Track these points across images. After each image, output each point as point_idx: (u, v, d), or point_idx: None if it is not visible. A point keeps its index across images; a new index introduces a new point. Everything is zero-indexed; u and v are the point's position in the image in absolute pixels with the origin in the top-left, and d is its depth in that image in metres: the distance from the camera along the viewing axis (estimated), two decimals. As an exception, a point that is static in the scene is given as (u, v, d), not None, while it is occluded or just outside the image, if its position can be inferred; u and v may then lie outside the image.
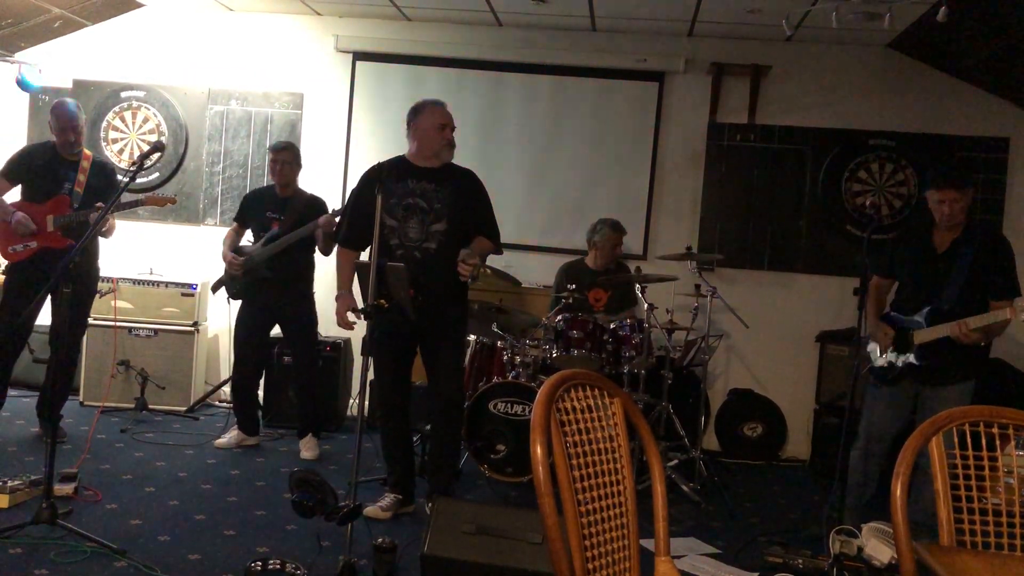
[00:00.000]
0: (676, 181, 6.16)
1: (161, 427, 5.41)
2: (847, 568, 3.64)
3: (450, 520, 3.17)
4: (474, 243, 3.93)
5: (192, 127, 6.41)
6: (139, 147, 6.40)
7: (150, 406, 5.64)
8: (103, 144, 6.43)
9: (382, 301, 3.37)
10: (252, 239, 5.11)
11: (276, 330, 5.21)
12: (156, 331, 5.84)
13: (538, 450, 1.62)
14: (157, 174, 6.40)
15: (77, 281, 4.56)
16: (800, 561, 3.68)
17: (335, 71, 6.36)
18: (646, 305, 4.88)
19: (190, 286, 5.85)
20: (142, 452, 4.83)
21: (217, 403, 6.08)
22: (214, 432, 5.27)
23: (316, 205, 5.02)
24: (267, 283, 4.91)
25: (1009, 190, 5.86)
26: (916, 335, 3.81)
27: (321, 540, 3.58)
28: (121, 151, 6.45)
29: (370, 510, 3.86)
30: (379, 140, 6.23)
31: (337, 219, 4.70)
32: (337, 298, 4.03)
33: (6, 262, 4.88)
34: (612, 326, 4.87)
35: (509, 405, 4.64)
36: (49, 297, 4.73)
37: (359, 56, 6.33)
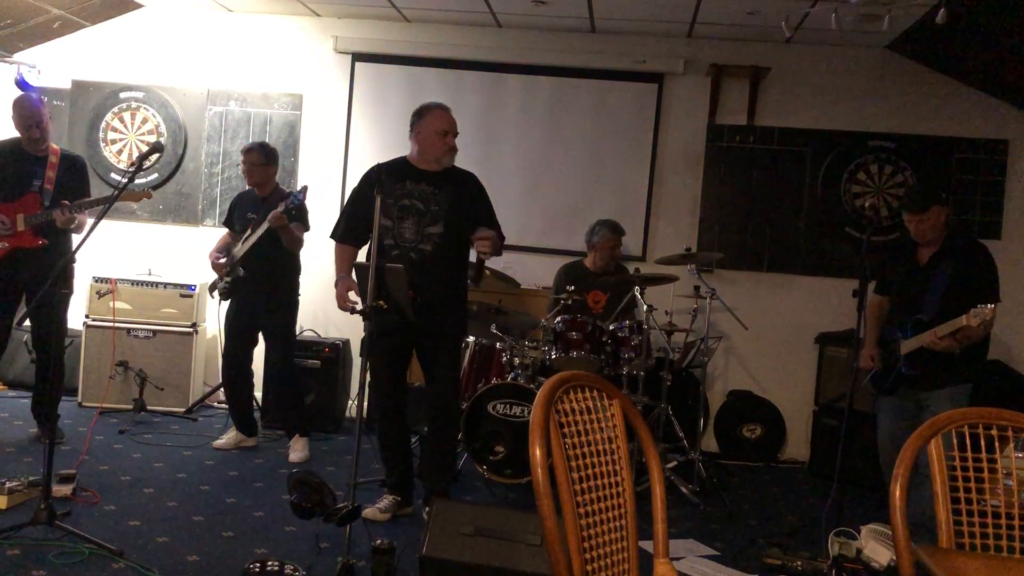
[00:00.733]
0: (675, 182, 6.16)
1: (160, 428, 5.41)
2: (846, 570, 3.64)
3: (449, 521, 3.17)
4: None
5: (191, 128, 6.41)
6: (138, 148, 6.40)
7: (149, 407, 5.63)
8: (102, 145, 6.43)
9: (381, 302, 3.37)
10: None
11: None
12: (155, 332, 5.83)
13: (537, 451, 1.62)
14: (156, 175, 6.40)
15: (43, 281, 4.56)
16: (799, 563, 3.67)
17: (334, 72, 6.36)
18: (645, 307, 4.88)
19: (189, 287, 5.85)
20: (140, 453, 4.83)
21: (216, 404, 6.07)
22: (213, 433, 5.26)
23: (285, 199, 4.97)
24: (246, 283, 4.89)
25: (1008, 192, 5.86)
26: (902, 346, 3.96)
27: (320, 541, 3.58)
28: (120, 152, 6.44)
29: (368, 511, 3.86)
30: (378, 141, 6.23)
31: (285, 214, 4.64)
32: (336, 283, 4.03)
33: None
34: (611, 327, 4.87)
35: (508, 406, 4.63)
36: (24, 301, 4.75)
37: (358, 57, 6.33)
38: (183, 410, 5.79)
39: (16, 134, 4.69)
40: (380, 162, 4.06)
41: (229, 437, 5.08)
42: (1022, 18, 4.60)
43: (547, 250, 6.16)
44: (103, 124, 6.43)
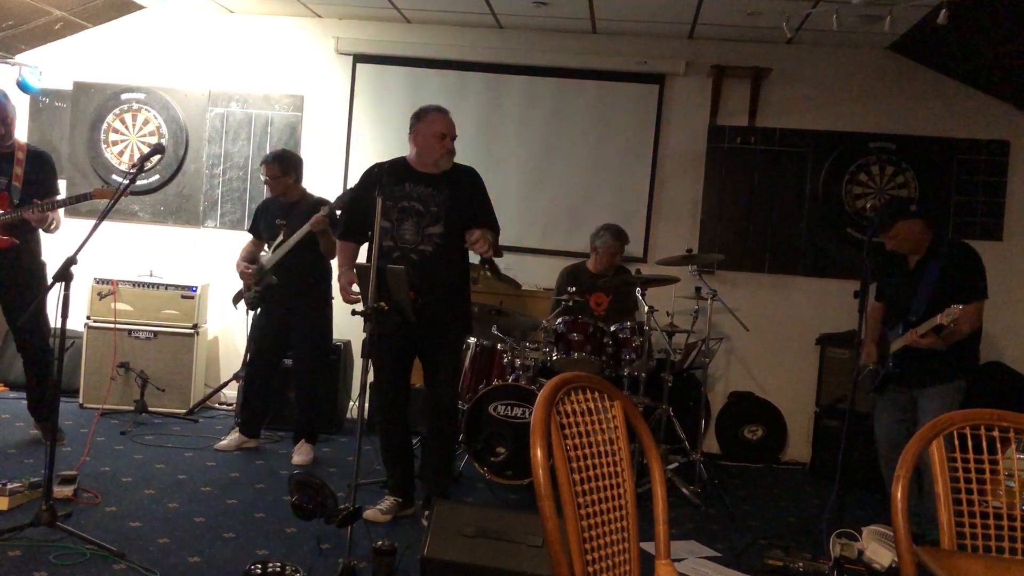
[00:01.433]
0: (676, 184, 6.16)
1: (161, 429, 5.41)
2: (847, 571, 3.63)
3: (450, 523, 3.17)
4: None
5: (192, 129, 6.41)
6: (139, 149, 6.40)
7: (150, 408, 5.63)
8: (103, 146, 6.43)
9: (382, 303, 3.37)
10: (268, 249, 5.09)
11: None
12: (156, 333, 5.84)
13: (538, 453, 1.62)
14: (157, 176, 6.41)
15: (27, 276, 4.54)
16: (800, 564, 3.67)
17: (335, 73, 6.36)
18: (646, 308, 4.87)
19: (190, 288, 5.85)
20: (142, 454, 4.83)
21: (217, 405, 6.08)
22: (214, 434, 5.26)
23: (321, 205, 4.98)
24: (280, 290, 4.88)
25: (1009, 193, 5.86)
26: (891, 345, 4.08)
27: (321, 543, 3.58)
28: (121, 153, 6.45)
29: (370, 513, 3.86)
30: (379, 142, 6.24)
31: (327, 217, 4.68)
32: (340, 276, 4.04)
33: None
34: (612, 329, 4.87)
35: (509, 408, 4.63)
36: (1, 306, 4.69)
37: (359, 58, 6.33)
38: (184, 411, 5.79)
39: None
40: (380, 162, 4.07)
41: (231, 439, 5.08)
42: (1022, 18, 4.60)
43: (548, 251, 6.16)
44: (104, 125, 6.44)
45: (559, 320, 4.80)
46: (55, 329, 5.06)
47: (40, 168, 4.66)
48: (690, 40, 6.09)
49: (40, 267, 4.75)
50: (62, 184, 5.76)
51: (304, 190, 5.09)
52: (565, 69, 6.18)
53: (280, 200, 5.02)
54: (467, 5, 5.74)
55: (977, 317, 3.94)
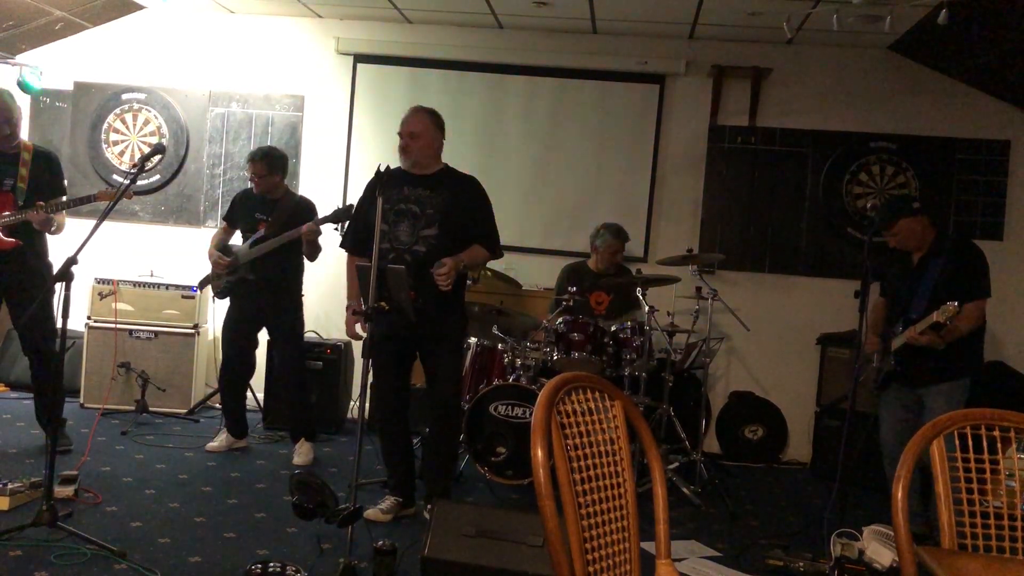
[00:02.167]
0: (677, 183, 6.16)
1: (161, 429, 5.41)
2: (848, 571, 3.63)
3: (450, 523, 3.17)
4: (468, 250, 3.94)
5: (193, 129, 6.42)
6: (140, 149, 6.41)
7: (150, 408, 5.63)
8: (104, 146, 6.44)
9: (383, 304, 3.37)
10: (242, 239, 5.07)
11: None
12: (156, 333, 5.84)
13: (539, 453, 1.62)
14: (158, 176, 6.41)
15: (30, 279, 4.52)
16: (801, 564, 3.67)
17: (336, 73, 6.37)
18: (647, 308, 4.87)
19: (190, 288, 5.85)
20: (142, 454, 4.83)
21: (217, 405, 6.06)
22: (214, 435, 5.26)
23: (304, 208, 4.94)
24: (252, 285, 4.88)
25: (1010, 193, 5.86)
26: (892, 343, 4.09)
27: (321, 543, 3.58)
28: (122, 153, 6.45)
29: (370, 513, 3.86)
30: (380, 142, 6.23)
31: (320, 227, 4.69)
32: (347, 308, 4.07)
33: None
34: (613, 329, 4.87)
35: (510, 408, 4.63)
36: (6, 303, 4.67)
37: (360, 58, 6.33)
38: (185, 411, 5.80)
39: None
40: (384, 164, 4.07)
41: (221, 440, 5.07)
42: (1023, 18, 4.59)
43: (548, 251, 6.16)
44: (105, 125, 6.44)
45: (560, 320, 4.80)
46: (21, 335, 5.04)
47: (46, 169, 4.62)
48: (690, 40, 6.09)
49: (46, 268, 4.71)
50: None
51: (287, 187, 5.07)
52: (565, 69, 6.18)
53: (263, 193, 5.01)
54: (467, 5, 5.74)
55: (979, 315, 3.96)
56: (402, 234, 3.90)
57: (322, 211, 4.84)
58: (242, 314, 4.99)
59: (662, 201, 6.18)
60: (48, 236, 4.66)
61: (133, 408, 5.60)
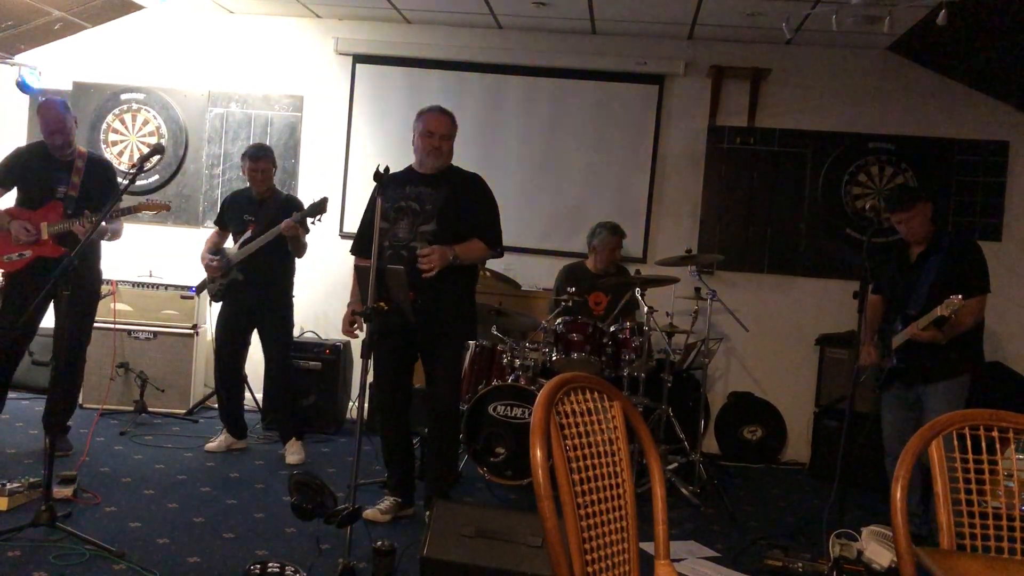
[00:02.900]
0: (676, 184, 6.16)
1: (160, 430, 5.41)
2: (847, 572, 3.63)
3: (449, 523, 3.17)
4: (464, 243, 3.92)
5: (192, 129, 6.42)
6: (139, 149, 6.41)
7: (149, 408, 5.63)
8: (103, 146, 6.43)
9: (382, 304, 3.37)
10: (233, 242, 5.07)
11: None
12: (155, 334, 5.84)
13: (538, 453, 1.62)
14: (157, 176, 6.41)
15: (76, 286, 4.50)
16: (800, 565, 3.67)
17: (335, 74, 6.36)
18: (646, 308, 4.87)
19: (189, 289, 5.85)
20: (141, 455, 4.83)
21: (216, 406, 6.07)
22: (213, 435, 5.25)
23: (290, 205, 4.94)
24: (243, 285, 4.88)
25: (1009, 194, 5.86)
26: (893, 340, 4.10)
27: (320, 543, 3.58)
28: (121, 153, 6.45)
29: (369, 513, 3.86)
30: (379, 143, 6.24)
31: (299, 223, 4.69)
32: (348, 306, 4.07)
33: (1, 271, 4.64)
34: (612, 329, 4.87)
35: (509, 408, 4.63)
36: (53, 304, 4.67)
37: (359, 59, 6.33)
38: (184, 411, 5.80)
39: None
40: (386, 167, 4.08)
41: (220, 440, 5.07)
42: (1022, 19, 4.60)
43: (548, 252, 6.16)
44: (104, 126, 6.44)
45: (559, 320, 4.80)
46: (49, 330, 5.06)
47: (99, 177, 4.65)
48: (689, 41, 6.09)
49: (94, 278, 4.74)
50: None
51: (273, 185, 5.08)
52: (565, 69, 6.18)
53: (249, 194, 5.01)
54: (467, 5, 5.74)
55: (979, 310, 3.97)
56: (401, 231, 3.90)
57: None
58: (234, 315, 4.99)
59: (661, 201, 6.18)
60: (101, 244, 4.70)
61: (132, 408, 5.60)
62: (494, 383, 4.73)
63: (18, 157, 4.65)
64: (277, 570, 3.07)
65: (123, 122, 6.45)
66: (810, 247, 6.05)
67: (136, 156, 6.36)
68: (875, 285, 4.37)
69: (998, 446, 2.03)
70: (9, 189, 4.62)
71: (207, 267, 4.97)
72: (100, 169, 4.72)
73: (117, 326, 5.77)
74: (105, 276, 5.78)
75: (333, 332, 6.02)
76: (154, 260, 6.14)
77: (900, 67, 5.92)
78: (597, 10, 5.63)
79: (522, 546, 3.07)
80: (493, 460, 4.60)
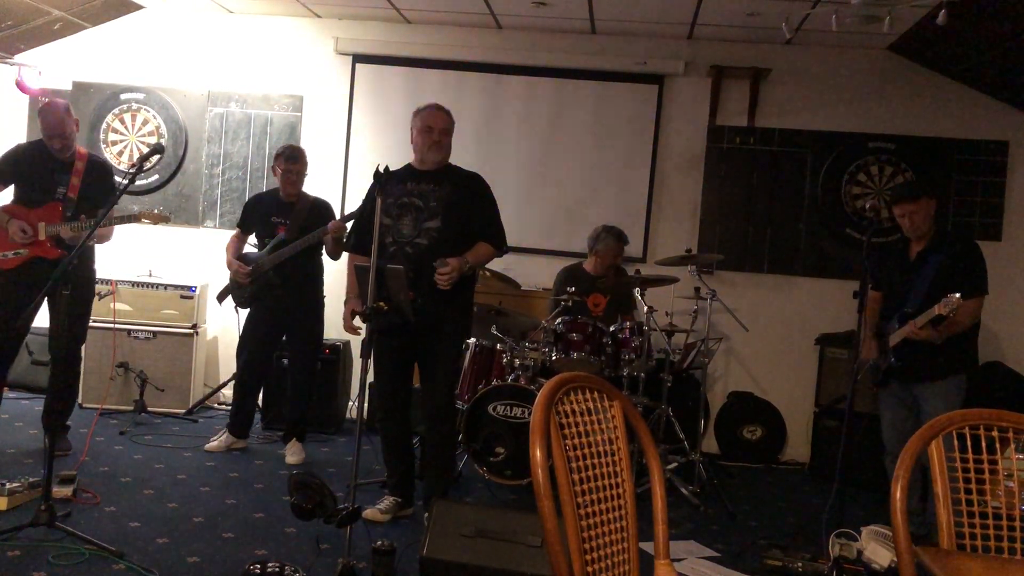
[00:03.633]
0: (676, 184, 6.16)
1: (160, 429, 5.40)
2: (846, 571, 3.64)
3: (449, 523, 3.17)
4: (473, 249, 3.93)
5: (191, 129, 6.41)
6: (138, 149, 6.41)
7: (149, 408, 5.63)
8: (102, 146, 6.43)
9: (381, 304, 3.37)
10: (256, 245, 5.07)
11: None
12: (155, 333, 5.84)
13: (537, 453, 1.62)
14: (156, 176, 6.40)
15: (73, 286, 4.50)
16: (799, 564, 3.67)
17: (335, 73, 6.36)
18: (645, 308, 4.87)
19: (189, 288, 5.85)
20: (141, 454, 4.82)
21: (216, 405, 6.08)
22: (213, 435, 5.25)
23: (321, 208, 5.00)
24: (275, 290, 4.88)
25: (1008, 193, 5.86)
26: (890, 338, 4.10)
27: (320, 543, 3.58)
28: (120, 153, 6.45)
29: (369, 512, 3.86)
30: (379, 142, 6.24)
31: (348, 224, 4.70)
32: (346, 303, 4.07)
33: None
34: (612, 329, 4.87)
35: (508, 408, 4.63)
36: (47, 304, 4.67)
37: (359, 58, 6.33)
38: (183, 411, 5.79)
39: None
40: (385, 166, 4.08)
41: (221, 440, 5.06)
42: (1022, 19, 4.60)
43: (547, 251, 6.16)
44: (104, 125, 6.44)
45: (558, 320, 4.80)
46: (46, 329, 5.04)
47: (98, 179, 4.64)
48: (689, 40, 6.09)
49: (89, 278, 4.74)
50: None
51: (301, 188, 5.08)
52: (564, 69, 6.18)
53: (275, 196, 5.01)
54: (467, 5, 5.74)
55: (976, 311, 3.99)
56: (405, 227, 3.90)
57: (338, 210, 4.85)
58: (267, 318, 4.98)
59: (661, 201, 6.18)
60: (95, 247, 4.70)
61: (132, 408, 5.60)
62: (494, 383, 4.73)
63: (18, 154, 4.64)
64: (277, 570, 3.07)
65: (123, 122, 6.44)
66: (810, 247, 6.05)
67: (136, 156, 6.36)
68: (875, 283, 4.38)
69: (998, 446, 2.03)
70: (7, 185, 4.61)
71: (236, 272, 4.92)
72: (100, 171, 4.71)
73: (117, 326, 5.76)
74: (105, 276, 5.81)
75: (333, 332, 6.01)
76: (154, 260, 6.13)
77: (900, 67, 5.92)
78: (597, 10, 5.63)
79: (522, 546, 3.07)
80: (493, 460, 4.60)
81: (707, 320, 5.25)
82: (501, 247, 4.07)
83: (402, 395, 4.08)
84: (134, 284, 5.87)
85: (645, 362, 4.82)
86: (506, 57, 6.20)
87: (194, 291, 5.85)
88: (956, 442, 2.04)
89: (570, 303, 4.85)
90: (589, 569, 1.69)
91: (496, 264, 5.57)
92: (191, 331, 5.86)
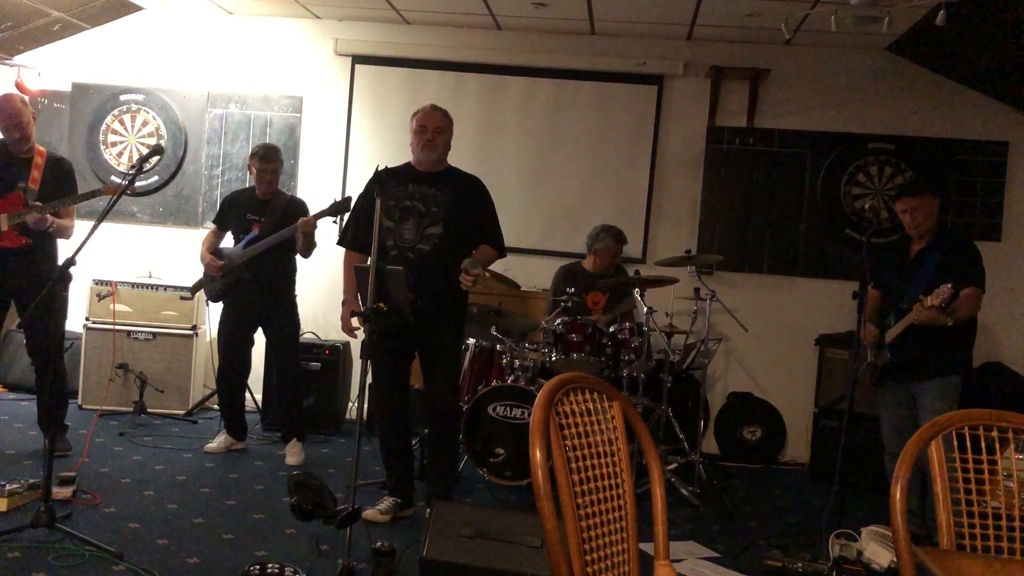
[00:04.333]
0: (675, 184, 6.16)
1: (160, 430, 5.40)
2: (846, 572, 3.64)
3: (449, 524, 3.17)
4: (477, 252, 3.95)
5: (191, 130, 6.41)
6: (138, 150, 6.40)
7: (149, 409, 5.63)
8: (102, 147, 6.43)
9: (381, 304, 3.37)
10: (233, 242, 5.07)
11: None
12: (155, 334, 5.83)
13: (537, 454, 1.62)
14: (156, 177, 6.40)
15: (35, 284, 4.50)
16: (799, 565, 3.67)
17: (334, 74, 6.36)
18: (645, 308, 4.87)
19: (189, 289, 5.84)
20: (140, 455, 4.82)
21: (215, 406, 6.07)
22: (213, 436, 5.25)
23: (296, 206, 4.97)
24: (247, 286, 4.87)
25: (1008, 194, 5.86)
26: (887, 334, 4.12)
27: (320, 544, 3.58)
28: (120, 154, 6.45)
29: (369, 513, 3.86)
30: (378, 143, 6.24)
31: (317, 222, 4.71)
32: (343, 303, 4.06)
33: None
34: (611, 329, 4.87)
35: (508, 409, 4.63)
36: (15, 305, 4.67)
37: (358, 59, 6.33)
38: (183, 412, 5.79)
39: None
40: (385, 165, 4.08)
41: (220, 441, 5.06)
42: (1022, 20, 4.60)
43: (547, 252, 6.16)
44: (103, 127, 6.44)
45: (558, 321, 4.80)
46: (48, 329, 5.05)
47: (57, 175, 4.64)
48: (689, 41, 6.09)
49: (54, 271, 4.64)
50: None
51: (278, 187, 5.08)
52: (564, 70, 6.18)
53: (252, 194, 5.01)
54: (466, 6, 5.74)
55: (975, 302, 3.97)
56: (407, 232, 3.91)
57: (318, 207, 4.83)
58: (238, 315, 4.99)
59: (660, 202, 6.18)
60: (58, 241, 4.67)
61: (131, 409, 5.60)
62: (493, 383, 4.73)
63: None
64: (277, 571, 3.07)
65: (122, 123, 6.44)
66: (809, 247, 6.05)
67: (135, 157, 6.36)
68: (875, 281, 4.39)
69: (997, 446, 2.03)
70: None
71: (208, 266, 4.95)
72: (59, 167, 4.70)
73: (116, 327, 5.76)
74: (104, 277, 5.82)
75: (333, 332, 6.02)
76: (153, 261, 6.13)
77: (899, 67, 5.92)
78: (596, 10, 5.63)
79: (522, 547, 3.07)
80: (493, 460, 4.60)
81: (707, 321, 5.26)
82: (501, 250, 4.11)
83: (400, 396, 4.08)
84: (134, 285, 5.87)
85: (645, 363, 4.81)
86: (506, 58, 6.20)
87: (189, 292, 5.83)
88: (956, 442, 2.04)
89: (569, 303, 4.85)
90: (589, 570, 1.69)
91: (496, 265, 5.55)
92: (191, 332, 5.86)
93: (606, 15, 5.72)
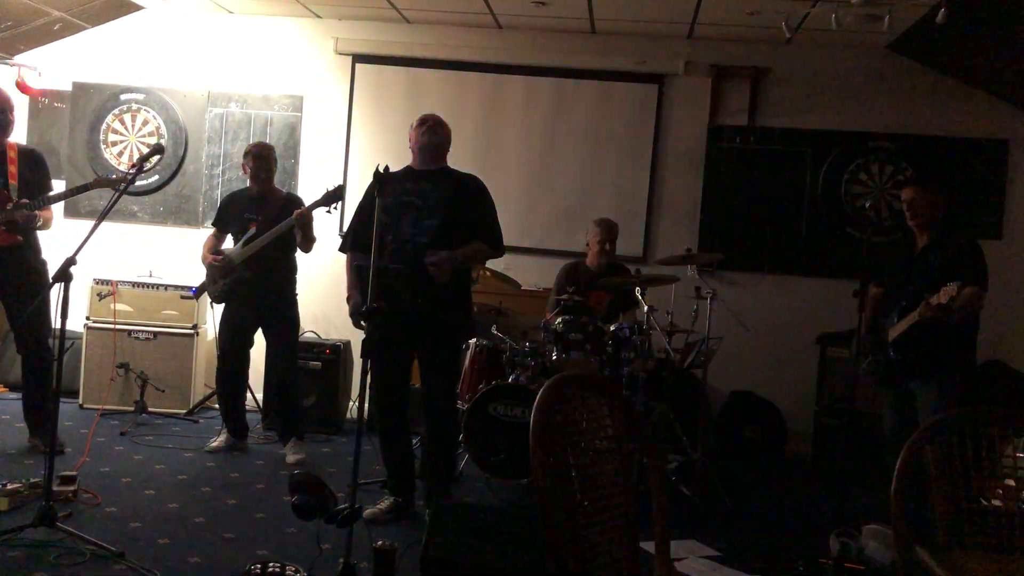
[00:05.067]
0: (676, 183, 6.16)
1: (161, 430, 5.41)
2: (847, 570, 3.63)
3: (450, 522, 3.17)
4: (467, 246, 3.95)
5: (191, 130, 6.41)
6: (139, 150, 6.40)
7: (150, 409, 5.63)
8: (103, 147, 6.44)
9: (381, 304, 3.37)
10: (233, 243, 5.06)
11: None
12: (156, 334, 5.84)
13: (538, 452, 1.62)
14: (156, 177, 6.41)
15: (28, 273, 4.52)
16: (800, 564, 3.66)
17: (335, 74, 6.36)
18: (646, 307, 4.87)
19: (190, 289, 5.84)
20: (141, 455, 4.83)
21: (216, 406, 6.07)
22: (213, 435, 5.26)
23: (293, 203, 4.94)
24: (248, 285, 4.86)
25: (1008, 192, 5.86)
26: (889, 332, 4.10)
27: (320, 543, 3.58)
28: (120, 154, 6.45)
29: (369, 512, 3.86)
30: (379, 142, 6.24)
31: (312, 212, 4.70)
32: (348, 299, 4.07)
33: None
34: (612, 328, 4.87)
35: (509, 407, 4.63)
36: (4, 305, 4.68)
37: (359, 58, 6.33)
38: (184, 412, 5.79)
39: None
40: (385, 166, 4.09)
41: (220, 440, 5.07)
42: (1022, 18, 4.60)
43: (548, 251, 6.16)
44: (104, 126, 6.44)
45: (559, 320, 4.80)
46: (54, 330, 5.06)
47: (32, 166, 4.63)
48: (689, 40, 6.09)
49: (42, 265, 4.71)
50: (61, 184, 5.76)
51: (273, 184, 5.08)
52: (564, 69, 6.18)
53: (249, 193, 5.01)
54: (467, 5, 5.74)
55: (978, 300, 3.96)
56: (405, 225, 3.92)
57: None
58: (238, 315, 4.98)
59: (661, 201, 6.18)
60: (40, 233, 4.67)
61: (132, 409, 5.60)
62: (494, 383, 4.73)
63: None
64: (277, 570, 3.07)
65: (123, 122, 6.44)
66: (810, 246, 6.04)
67: (136, 156, 6.36)
68: (878, 279, 4.39)
69: (998, 445, 2.03)
70: None
71: (210, 266, 4.94)
72: (33, 158, 4.69)
73: (117, 326, 5.76)
74: (105, 276, 5.82)
75: (333, 332, 6.03)
76: (154, 260, 6.14)
77: (900, 66, 5.92)
78: (597, 10, 5.63)
79: (522, 546, 3.07)
80: (493, 459, 4.60)
81: (707, 319, 5.25)
82: (497, 247, 4.09)
83: (402, 395, 4.09)
84: (134, 285, 5.87)
85: (646, 361, 4.81)
86: (506, 57, 6.20)
87: (194, 293, 5.84)
88: (956, 441, 2.04)
89: (571, 302, 4.84)
90: (590, 568, 1.69)
91: (496, 264, 5.56)
92: (191, 332, 5.86)
93: (607, 14, 5.72)
